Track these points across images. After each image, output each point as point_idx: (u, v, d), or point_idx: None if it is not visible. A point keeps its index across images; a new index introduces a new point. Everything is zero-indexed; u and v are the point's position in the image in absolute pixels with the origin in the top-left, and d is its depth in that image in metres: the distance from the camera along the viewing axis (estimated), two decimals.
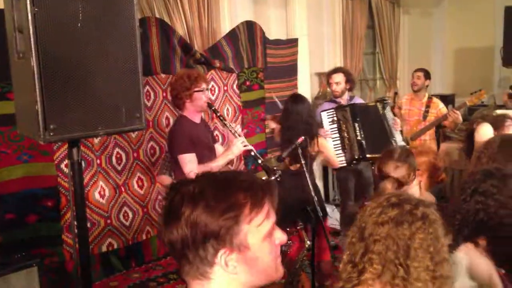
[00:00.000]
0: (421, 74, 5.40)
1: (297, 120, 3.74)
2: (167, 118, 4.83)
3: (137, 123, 1.98)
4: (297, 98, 3.95)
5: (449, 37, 8.15)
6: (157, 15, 4.85)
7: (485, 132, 2.92)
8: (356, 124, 4.39)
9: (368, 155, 4.33)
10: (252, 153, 3.23)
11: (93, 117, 1.86)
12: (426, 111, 5.27)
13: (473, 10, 7.67)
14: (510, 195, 1.84)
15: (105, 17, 1.89)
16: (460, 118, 4.83)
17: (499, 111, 3.19)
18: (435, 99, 5.38)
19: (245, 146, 3.14)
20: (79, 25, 1.79)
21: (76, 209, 1.97)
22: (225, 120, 3.27)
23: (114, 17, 1.92)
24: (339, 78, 4.70)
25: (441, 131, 5.88)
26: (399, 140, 4.53)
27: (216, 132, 5.28)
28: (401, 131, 4.61)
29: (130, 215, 4.57)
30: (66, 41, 1.80)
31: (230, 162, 3.34)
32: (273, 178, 3.90)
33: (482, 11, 7.51)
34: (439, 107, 5.27)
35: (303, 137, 3.50)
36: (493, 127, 2.98)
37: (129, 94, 1.97)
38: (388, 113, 4.54)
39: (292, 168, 3.74)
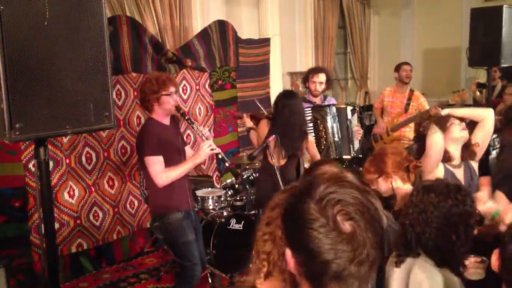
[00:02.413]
0: (410, 67, 5.56)
1: (292, 115, 3.74)
2: (138, 117, 4.80)
3: (106, 121, 1.97)
4: (289, 94, 3.95)
5: (417, 38, 8.31)
6: (128, 14, 4.80)
7: (436, 141, 2.96)
8: (335, 125, 4.44)
9: (343, 156, 4.42)
10: (220, 156, 3.24)
11: (61, 115, 1.84)
12: (408, 104, 5.43)
13: (441, 11, 7.85)
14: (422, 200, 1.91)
15: (73, 15, 1.87)
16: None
17: (446, 110, 3.27)
18: (416, 92, 5.55)
19: (212, 149, 3.14)
20: (45, 23, 1.77)
21: (43, 209, 1.94)
22: (193, 123, 3.26)
23: (82, 15, 1.90)
24: (323, 78, 4.71)
25: None
26: (356, 148, 4.59)
27: (188, 131, 5.27)
28: (360, 141, 4.67)
29: (101, 215, 4.52)
30: (32, 39, 1.77)
31: (203, 163, 3.33)
32: (241, 179, 3.95)
33: (450, 12, 7.69)
34: (420, 100, 5.45)
35: (274, 136, 3.54)
36: (440, 129, 3.06)
37: (97, 92, 1.95)
38: (354, 120, 4.60)
39: (278, 163, 3.71)
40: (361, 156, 4.57)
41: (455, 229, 1.85)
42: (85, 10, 1.89)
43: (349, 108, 4.60)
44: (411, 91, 5.53)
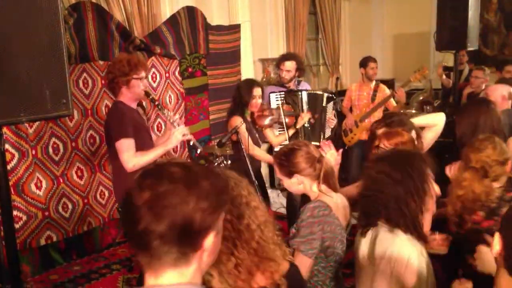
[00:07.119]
0: (376, 63, 5.61)
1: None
2: (106, 106, 4.71)
3: (64, 109, 1.91)
4: (241, 82, 4.01)
5: (388, 23, 8.36)
6: (94, 0, 4.68)
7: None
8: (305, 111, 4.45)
9: (312, 143, 4.41)
10: (191, 143, 3.20)
11: (15, 103, 1.78)
12: (374, 94, 5.51)
13: None
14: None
15: (25, 1, 1.81)
16: (405, 96, 5.44)
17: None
18: (381, 85, 5.66)
19: (183, 135, 3.09)
20: None
21: (1, 200, 1.88)
22: (163, 109, 3.21)
23: (35, 1, 1.83)
24: (291, 66, 4.66)
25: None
26: (327, 135, 4.59)
27: (159, 120, 5.21)
28: (332, 129, 4.70)
29: (70, 206, 4.44)
30: None
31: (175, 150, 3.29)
32: (215, 164, 3.92)
33: None
34: (385, 91, 5.56)
35: (241, 121, 3.53)
36: None
37: (54, 79, 1.89)
38: (329, 108, 4.60)
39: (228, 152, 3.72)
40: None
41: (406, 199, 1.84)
42: None
43: (325, 95, 4.60)
44: (377, 84, 5.62)
